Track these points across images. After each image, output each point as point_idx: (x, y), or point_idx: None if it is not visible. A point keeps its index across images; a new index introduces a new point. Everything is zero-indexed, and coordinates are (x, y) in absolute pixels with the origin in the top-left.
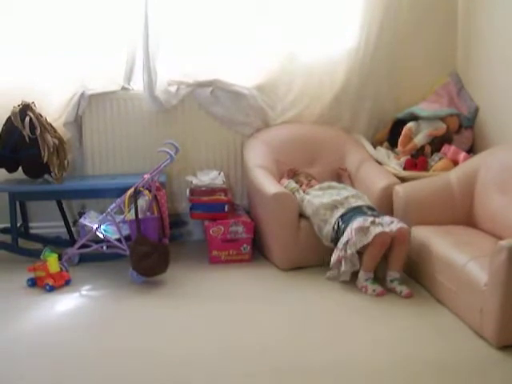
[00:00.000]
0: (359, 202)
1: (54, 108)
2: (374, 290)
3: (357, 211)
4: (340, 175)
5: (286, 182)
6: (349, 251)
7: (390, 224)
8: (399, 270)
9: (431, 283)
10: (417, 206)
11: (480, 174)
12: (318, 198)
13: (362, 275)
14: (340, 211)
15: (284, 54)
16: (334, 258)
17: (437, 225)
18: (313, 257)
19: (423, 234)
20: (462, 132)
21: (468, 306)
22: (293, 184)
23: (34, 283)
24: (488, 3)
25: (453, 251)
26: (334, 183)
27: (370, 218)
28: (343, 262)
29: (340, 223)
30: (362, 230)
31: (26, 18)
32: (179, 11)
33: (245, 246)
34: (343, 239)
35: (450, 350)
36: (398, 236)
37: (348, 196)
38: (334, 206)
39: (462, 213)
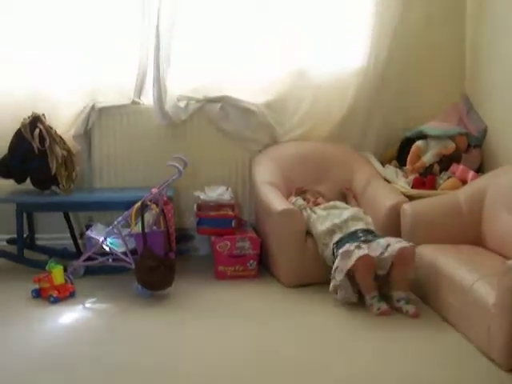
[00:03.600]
0: (358, 226)
1: (63, 120)
2: (378, 309)
3: (350, 237)
4: (345, 195)
5: (293, 199)
6: (337, 278)
7: (387, 246)
8: (405, 290)
9: (438, 302)
10: (425, 224)
11: (488, 193)
12: (320, 221)
13: (366, 297)
14: (337, 236)
15: (294, 72)
16: (330, 285)
17: (445, 244)
18: (319, 274)
19: (431, 252)
20: (470, 151)
21: (475, 327)
22: (300, 201)
23: (38, 294)
24: (496, 26)
25: (460, 270)
26: (338, 203)
27: (356, 243)
28: (338, 290)
29: (335, 250)
30: (347, 255)
31: (38, 31)
32: (190, 27)
33: (251, 261)
34: (334, 267)
35: (456, 370)
36: (398, 256)
37: (348, 218)
38: (332, 231)
39: (470, 232)
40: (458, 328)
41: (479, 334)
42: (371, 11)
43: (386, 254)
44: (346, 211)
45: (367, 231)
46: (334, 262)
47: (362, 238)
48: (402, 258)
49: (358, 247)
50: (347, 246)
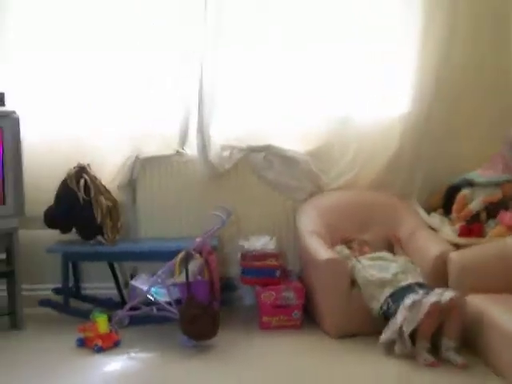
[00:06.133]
0: (409, 280)
1: (108, 170)
2: (425, 359)
3: (407, 290)
4: (392, 243)
5: (338, 248)
6: (405, 330)
7: (441, 295)
8: (455, 340)
9: (487, 353)
10: (472, 273)
11: None
12: (367, 271)
13: (418, 344)
14: (389, 290)
15: (337, 119)
16: (384, 337)
17: (493, 293)
18: (364, 325)
19: (479, 302)
20: None
21: None
22: (345, 251)
23: (82, 343)
24: None
25: (510, 320)
26: (384, 254)
27: (422, 292)
28: (397, 344)
29: (390, 303)
30: (415, 305)
31: (85, 84)
32: (233, 77)
33: (296, 312)
34: (397, 320)
35: None
36: (450, 305)
37: (397, 272)
38: (382, 284)
39: None
40: (508, 379)
41: None
42: (414, 56)
43: (442, 303)
44: (394, 264)
45: (421, 285)
46: (383, 315)
47: (421, 292)
48: (453, 306)
49: (426, 295)
50: (412, 297)
